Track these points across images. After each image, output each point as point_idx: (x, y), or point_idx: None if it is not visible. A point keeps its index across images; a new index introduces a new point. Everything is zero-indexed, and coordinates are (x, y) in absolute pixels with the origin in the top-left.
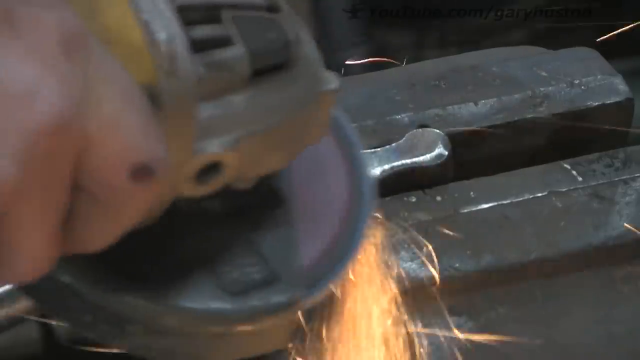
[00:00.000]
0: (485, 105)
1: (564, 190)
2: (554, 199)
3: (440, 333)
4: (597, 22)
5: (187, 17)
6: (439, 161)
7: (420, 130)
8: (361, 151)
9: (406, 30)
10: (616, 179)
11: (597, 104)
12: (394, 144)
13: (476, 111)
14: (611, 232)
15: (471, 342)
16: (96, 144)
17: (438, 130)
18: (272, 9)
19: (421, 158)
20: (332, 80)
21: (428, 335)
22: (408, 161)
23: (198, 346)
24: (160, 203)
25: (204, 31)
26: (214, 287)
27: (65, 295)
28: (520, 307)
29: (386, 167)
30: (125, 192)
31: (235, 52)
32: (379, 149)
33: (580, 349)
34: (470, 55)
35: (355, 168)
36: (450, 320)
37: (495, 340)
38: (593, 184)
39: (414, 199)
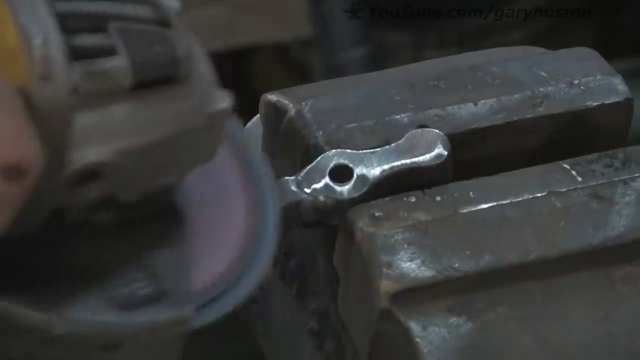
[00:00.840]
0: (484, 105)
1: (563, 190)
2: (553, 199)
3: (440, 333)
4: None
5: (70, 24)
6: (438, 161)
7: (419, 130)
8: (269, 174)
9: (406, 30)
10: (616, 179)
11: (596, 104)
12: (393, 144)
13: (476, 111)
14: (611, 233)
15: (471, 342)
16: None
17: (437, 131)
18: (163, 23)
19: (420, 158)
20: (223, 100)
21: (427, 336)
22: (407, 161)
23: (86, 358)
24: (37, 208)
25: (86, 39)
26: (102, 299)
27: None
28: (520, 307)
29: (385, 167)
30: None
31: (118, 62)
32: (378, 149)
33: (580, 349)
34: (469, 56)
35: (259, 191)
36: (450, 320)
37: (495, 341)
38: (592, 184)
39: (413, 199)
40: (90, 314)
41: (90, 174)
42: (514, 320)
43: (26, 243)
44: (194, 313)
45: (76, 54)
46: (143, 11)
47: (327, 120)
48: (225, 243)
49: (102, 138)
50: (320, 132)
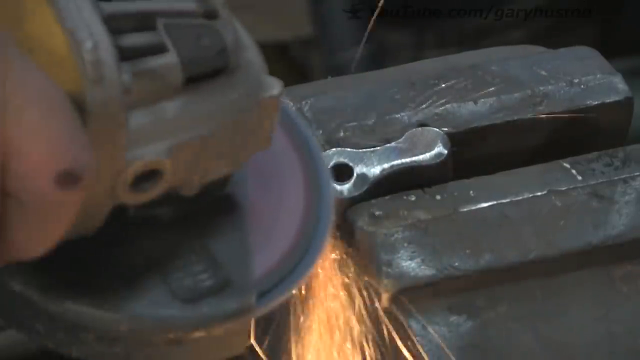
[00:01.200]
0: (484, 104)
1: (563, 189)
2: (553, 198)
3: (440, 332)
4: (597, 22)
5: (117, 25)
6: (438, 160)
7: (419, 129)
8: (322, 160)
9: (406, 29)
10: (615, 178)
11: (596, 103)
12: (393, 143)
13: (476, 110)
14: (610, 231)
15: (471, 341)
16: (20, 151)
17: (437, 129)
18: (210, 15)
19: (421, 157)
20: (274, 86)
21: (427, 334)
22: (407, 160)
23: (151, 353)
24: (98, 210)
25: (134, 39)
26: (165, 293)
27: (17, 304)
28: (520, 306)
29: (386, 166)
30: (51, 199)
31: (167, 59)
32: (378, 148)
33: (580, 348)
34: (469, 55)
35: (315, 177)
36: (450, 319)
37: (495, 339)
38: (592, 183)
39: (413, 198)
40: (154, 309)
41: (150, 172)
42: (514, 319)
43: (88, 241)
44: (257, 301)
45: (125, 54)
46: (189, 5)
47: (327, 119)
48: (282, 229)
49: (157, 136)
50: (321, 131)
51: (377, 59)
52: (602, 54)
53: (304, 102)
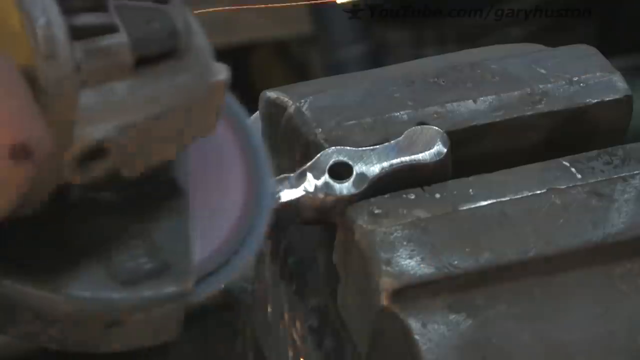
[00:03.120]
0: (484, 102)
1: (563, 187)
2: (553, 196)
3: (439, 330)
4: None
5: (70, 4)
6: (437, 158)
7: (419, 127)
8: (262, 148)
9: (405, 27)
10: (615, 176)
11: (596, 101)
12: (392, 141)
13: (475, 108)
14: (610, 230)
15: (470, 339)
16: None
17: (437, 128)
18: (160, 0)
19: (420, 155)
20: (221, 71)
21: (427, 333)
22: (407, 158)
23: (89, 334)
24: (43, 188)
25: (86, 19)
26: (105, 276)
27: None
28: (519, 305)
29: (385, 164)
30: (3, 171)
31: (118, 39)
32: (377, 146)
33: (579, 346)
34: (469, 53)
35: (255, 167)
36: (449, 317)
37: (494, 338)
38: (592, 181)
39: (412, 196)
40: (92, 290)
41: (96, 151)
42: (513, 318)
43: (30, 221)
44: (195, 286)
45: (77, 34)
46: None
47: (327, 118)
48: (222, 216)
49: (105, 115)
50: (320, 129)
51: (376, 57)
52: (602, 52)
53: (303, 100)
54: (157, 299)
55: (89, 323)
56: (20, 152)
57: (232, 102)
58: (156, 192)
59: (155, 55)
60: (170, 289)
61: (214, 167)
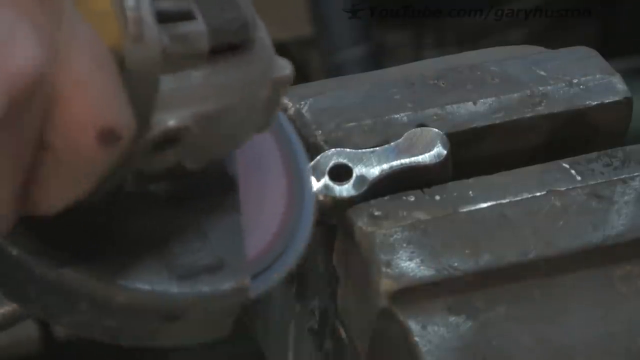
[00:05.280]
0: (484, 104)
1: (562, 189)
2: (552, 198)
3: (439, 332)
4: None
5: None
6: (437, 160)
7: (419, 129)
8: (301, 151)
9: (405, 29)
10: (615, 178)
11: (595, 103)
12: (392, 143)
13: (475, 110)
14: (610, 232)
15: (470, 341)
16: (66, 100)
17: (437, 130)
18: None
19: (420, 157)
20: (286, 66)
21: (427, 335)
22: (407, 160)
23: (145, 329)
24: (119, 175)
25: (167, 3)
26: (162, 269)
27: (11, 267)
28: (519, 306)
29: (385, 166)
30: (89, 154)
31: (196, 27)
32: (377, 148)
33: (579, 348)
34: (469, 55)
35: (296, 168)
36: (449, 319)
37: (494, 340)
38: (592, 183)
39: (412, 198)
40: (151, 284)
41: (170, 138)
42: (513, 320)
43: (87, 212)
44: (251, 281)
45: (161, 18)
46: None
47: (326, 120)
48: (271, 211)
49: (181, 102)
50: (320, 131)
51: (376, 59)
52: (602, 54)
53: (303, 102)
54: (214, 295)
55: (146, 317)
56: (109, 136)
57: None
58: (210, 187)
59: (228, 45)
60: (227, 285)
61: (258, 160)
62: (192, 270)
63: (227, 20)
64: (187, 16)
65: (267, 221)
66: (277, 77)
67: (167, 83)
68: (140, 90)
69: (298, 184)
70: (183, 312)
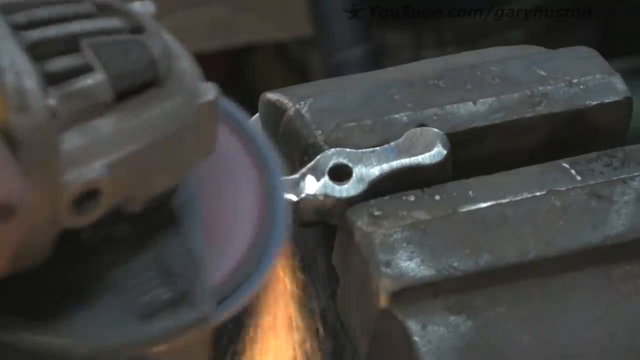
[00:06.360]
0: (484, 104)
1: (562, 189)
2: (552, 198)
3: (439, 332)
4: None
5: (42, 51)
6: (437, 160)
7: (418, 129)
8: (276, 164)
9: (405, 29)
10: (615, 178)
11: (595, 103)
12: (392, 143)
13: (475, 110)
14: (610, 231)
15: (470, 341)
16: None
17: (437, 130)
18: (135, 30)
19: (420, 157)
20: (209, 91)
21: (426, 335)
22: (406, 160)
23: None
24: (41, 239)
25: (60, 63)
26: (122, 312)
27: None
28: (519, 306)
29: (385, 166)
30: None
31: (95, 78)
32: (377, 148)
33: (579, 348)
34: (469, 55)
35: (268, 180)
36: (449, 319)
37: (494, 340)
38: (592, 183)
39: (412, 198)
40: (111, 329)
41: (88, 193)
42: (513, 319)
43: (40, 268)
44: (215, 310)
45: (52, 79)
46: (113, 23)
47: (326, 120)
48: (237, 234)
49: (92, 155)
50: (319, 131)
51: (376, 59)
52: (602, 54)
53: (303, 102)
54: (177, 328)
55: None
56: (3, 212)
57: (238, 112)
58: (167, 219)
59: (136, 87)
60: (190, 316)
61: (224, 183)
62: (152, 308)
63: (132, 62)
64: (83, 70)
65: (234, 242)
66: (201, 104)
67: (73, 140)
68: (38, 156)
69: (270, 200)
70: (148, 351)
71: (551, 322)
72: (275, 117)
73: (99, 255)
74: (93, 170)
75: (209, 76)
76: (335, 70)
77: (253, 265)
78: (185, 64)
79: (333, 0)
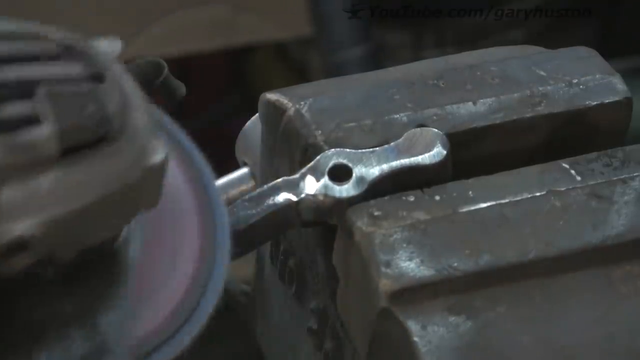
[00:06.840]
0: (484, 104)
1: (562, 189)
2: (552, 198)
3: (439, 332)
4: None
5: None
6: (437, 160)
7: (418, 129)
8: (218, 194)
9: (405, 29)
10: (615, 178)
11: (595, 103)
12: (392, 144)
13: (475, 110)
14: (610, 232)
15: (470, 341)
16: None
17: (437, 130)
18: (96, 78)
19: (419, 157)
20: (158, 151)
21: (426, 335)
22: (406, 161)
23: None
24: None
25: (9, 110)
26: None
27: None
28: (519, 307)
29: (384, 166)
30: None
31: (42, 131)
32: (377, 149)
33: (579, 349)
34: (469, 55)
35: (211, 217)
36: (449, 319)
37: (494, 340)
38: (592, 183)
39: (412, 198)
40: None
41: (16, 246)
42: (513, 320)
43: None
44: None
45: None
46: (74, 69)
47: (326, 120)
48: (171, 286)
49: (27, 210)
50: (319, 132)
51: (376, 59)
52: (602, 54)
53: (303, 102)
54: None
55: None
56: None
57: (180, 135)
58: (99, 266)
59: (85, 142)
60: None
61: (164, 223)
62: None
63: (85, 117)
64: (30, 121)
65: (168, 295)
66: (148, 165)
67: (11, 192)
68: None
69: (210, 246)
70: None
71: (551, 322)
72: (275, 117)
73: (22, 300)
74: (25, 227)
75: (209, 76)
76: (335, 70)
77: (183, 320)
78: (139, 118)
79: (333, 0)
